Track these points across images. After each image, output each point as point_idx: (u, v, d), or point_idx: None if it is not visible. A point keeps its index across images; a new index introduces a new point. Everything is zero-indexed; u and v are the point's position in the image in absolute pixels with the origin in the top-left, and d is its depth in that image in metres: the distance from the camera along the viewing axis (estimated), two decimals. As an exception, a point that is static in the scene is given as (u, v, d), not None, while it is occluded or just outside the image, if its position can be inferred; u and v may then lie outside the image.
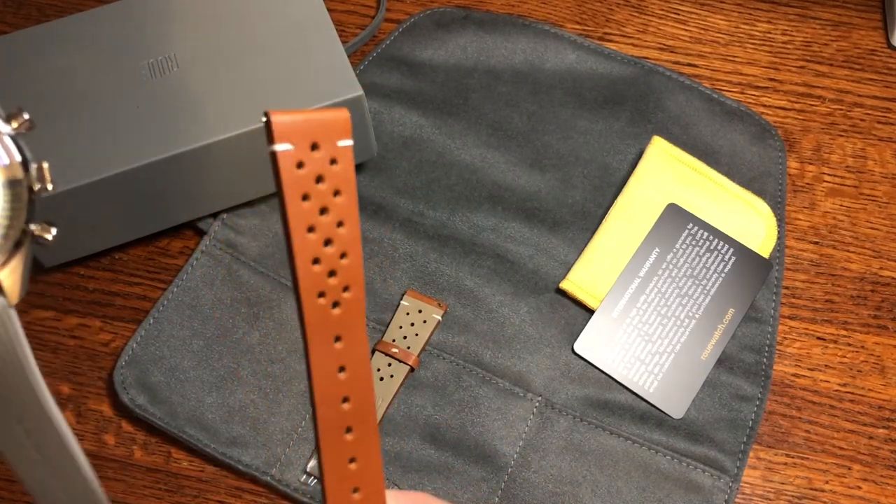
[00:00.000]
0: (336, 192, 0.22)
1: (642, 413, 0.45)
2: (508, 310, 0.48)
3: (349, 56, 0.56)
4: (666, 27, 0.58)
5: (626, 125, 0.53)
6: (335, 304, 0.23)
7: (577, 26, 0.58)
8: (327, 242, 0.22)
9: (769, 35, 0.57)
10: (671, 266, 0.48)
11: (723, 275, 0.48)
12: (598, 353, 0.47)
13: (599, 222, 0.50)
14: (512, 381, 0.46)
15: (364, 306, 0.23)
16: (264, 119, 0.21)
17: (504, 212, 0.51)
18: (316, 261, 0.23)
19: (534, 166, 0.52)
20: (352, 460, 0.24)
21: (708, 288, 0.48)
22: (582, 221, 0.51)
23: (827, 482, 0.45)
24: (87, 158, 0.44)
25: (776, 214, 0.51)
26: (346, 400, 0.23)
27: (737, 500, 0.44)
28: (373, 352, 0.47)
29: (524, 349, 0.47)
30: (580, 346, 0.47)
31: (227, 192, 0.48)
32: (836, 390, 0.47)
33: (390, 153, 0.52)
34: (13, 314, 0.22)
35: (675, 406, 0.45)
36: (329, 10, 0.58)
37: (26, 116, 0.22)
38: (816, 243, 0.51)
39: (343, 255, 0.23)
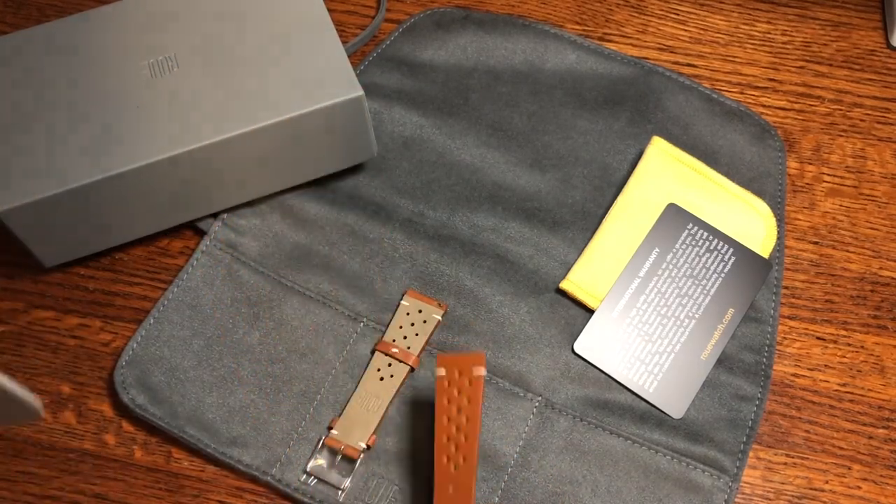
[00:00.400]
0: (468, 400, 0.40)
1: (642, 413, 0.45)
2: (508, 310, 0.48)
3: (349, 56, 0.56)
4: (666, 27, 0.58)
5: (626, 125, 0.53)
6: (455, 467, 0.39)
7: (577, 26, 0.58)
8: (457, 429, 0.40)
9: (769, 35, 0.58)
10: (671, 266, 0.48)
11: (722, 275, 0.48)
12: (598, 353, 0.47)
13: (599, 222, 0.50)
14: (512, 380, 0.46)
15: (474, 473, 0.39)
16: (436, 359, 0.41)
17: (504, 212, 0.51)
18: (448, 439, 0.40)
19: (534, 166, 0.52)
20: None
21: (708, 288, 0.48)
22: (582, 221, 0.51)
23: (827, 482, 0.45)
24: (88, 159, 0.44)
25: (776, 214, 0.51)
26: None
27: (736, 499, 0.44)
28: (373, 351, 0.47)
29: (524, 349, 0.47)
30: (580, 346, 0.47)
31: (227, 192, 0.48)
32: (836, 390, 0.47)
33: (390, 153, 0.52)
34: None
35: (675, 406, 0.46)
36: (329, 10, 0.58)
37: None
38: (816, 243, 0.51)
39: (465, 439, 0.39)
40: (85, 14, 0.49)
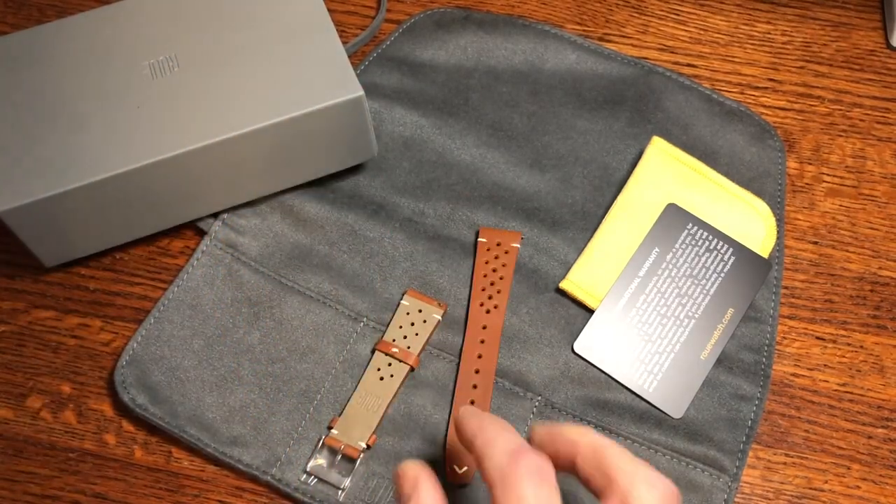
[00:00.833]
0: (503, 264, 0.48)
1: (642, 413, 0.46)
2: (508, 310, 0.48)
3: (349, 56, 0.56)
4: (666, 28, 0.58)
5: (626, 125, 0.53)
6: (487, 311, 0.47)
7: (577, 27, 0.58)
8: (491, 284, 0.48)
9: (769, 35, 0.58)
10: (671, 266, 0.48)
11: (722, 275, 0.48)
12: (598, 352, 0.47)
13: (599, 222, 0.50)
14: (512, 380, 0.46)
15: (503, 316, 0.47)
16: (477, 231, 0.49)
17: (504, 212, 0.51)
18: (483, 289, 0.48)
19: (534, 166, 0.52)
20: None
21: (707, 288, 0.48)
22: (582, 221, 0.51)
23: (826, 482, 0.45)
24: (88, 159, 0.44)
25: (775, 214, 0.51)
26: (479, 356, 0.46)
27: (736, 499, 0.44)
28: (373, 351, 0.47)
29: (524, 349, 0.47)
30: (580, 346, 0.47)
31: (228, 192, 0.48)
32: (836, 390, 0.47)
33: (390, 153, 0.52)
34: None
35: (675, 406, 0.46)
36: (329, 10, 0.58)
37: None
38: (816, 243, 0.51)
39: (498, 291, 0.48)
40: (85, 14, 0.50)
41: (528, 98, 0.54)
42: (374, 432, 0.44)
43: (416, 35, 0.56)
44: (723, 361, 0.47)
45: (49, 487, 0.45)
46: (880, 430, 0.46)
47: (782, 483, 0.45)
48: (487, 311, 0.47)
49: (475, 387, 0.45)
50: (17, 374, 0.47)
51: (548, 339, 0.47)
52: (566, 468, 0.33)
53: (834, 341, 0.48)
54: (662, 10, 0.58)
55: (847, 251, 0.51)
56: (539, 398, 0.46)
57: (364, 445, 0.44)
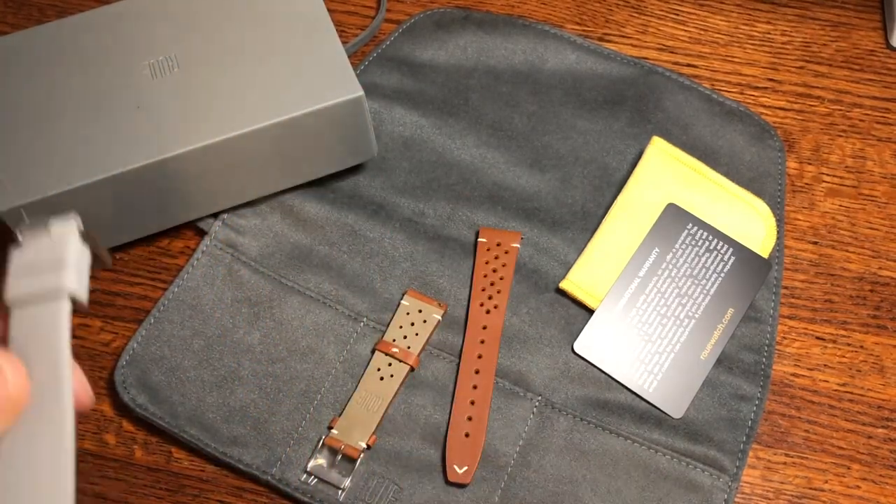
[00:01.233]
0: (503, 264, 0.48)
1: (642, 413, 0.46)
2: (508, 310, 0.48)
3: (349, 56, 0.56)
4: (665, 28, 0.58)
5: (626, 125, 0.53)
6: (487, 312, 0.47)
7: (577, 27, 0.58)
8: (491, 284, 0.48)
9: (768, 36, 0.58)
10: (671, 266, 0.48)
11: (722, 275, 0.48)
12: (598, 352, 0.47)
13: (599, 222, 0.50)
14: (512, 380, 0.46)
15: (503, 317, 0.47)
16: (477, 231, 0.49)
17: (504, 212, 0.51)
18: (483, 290, 0.48)
19: (534, 166, 0.52)
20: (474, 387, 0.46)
21: (707, 288, 0.48)
22: (582, 221, 0.51)
23: (826, 482, 0.45)
24: (88, 159, 0.44)
25: (775, 214, 0.51)
26: (482, 342, 0.47)
27: (736, 499, 0.44)
28: (373, 351, 0.47)
29: (524, 349, 0.47)
30: (580, 346, 0.47)
31: (228, 192, 0.48)
32: (836, 390, 0.47)
33: (390, 153, 0.52)
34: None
35: (675, 406, 0.46)
36: (329, 10, 0.58)
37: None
38: (816, 243, 0.51)
39: (498, 291, 0.48)
40: (85, 14, 0.50)
41: (527, 98, 0.54)
42: (374, 432, 0.44)
43: (415, 35, 0.56)
44: (723, 361, 0.47)
45: (49, 487, 0.45)
46: (880, 430, 0.46)
47: (782, 483, 0.45)
48: (487, 311, 0.47)
49: (475, 387, 0.45)
50: (17, 374, 0.47)
51: (548, 339, 0.47)
52: None
53: (834, 341, 0.48)
54: (662, 10, 0.59)
55: (847, 251, 0.51)
56: (539, 398, 0.46)
57: (364, 445, 0.44)
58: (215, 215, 0.50)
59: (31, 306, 0.29)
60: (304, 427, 0.45)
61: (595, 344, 0.47)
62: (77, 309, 0.30)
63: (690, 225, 0.49)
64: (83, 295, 0.30)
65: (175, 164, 0.45)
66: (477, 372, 0.46)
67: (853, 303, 0.49)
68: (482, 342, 0.46)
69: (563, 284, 0.48)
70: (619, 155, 0.53)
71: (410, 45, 0.56)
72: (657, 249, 0.49)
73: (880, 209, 0.52)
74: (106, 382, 0.47)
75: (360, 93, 0.46)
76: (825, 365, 0.48)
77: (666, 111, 0.54)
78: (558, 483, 0.44)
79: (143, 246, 0.51)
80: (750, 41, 0.57)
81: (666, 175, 0.50)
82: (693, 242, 0.49)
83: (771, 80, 0.56)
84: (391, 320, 0.47)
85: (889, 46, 0.57)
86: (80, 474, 0.45)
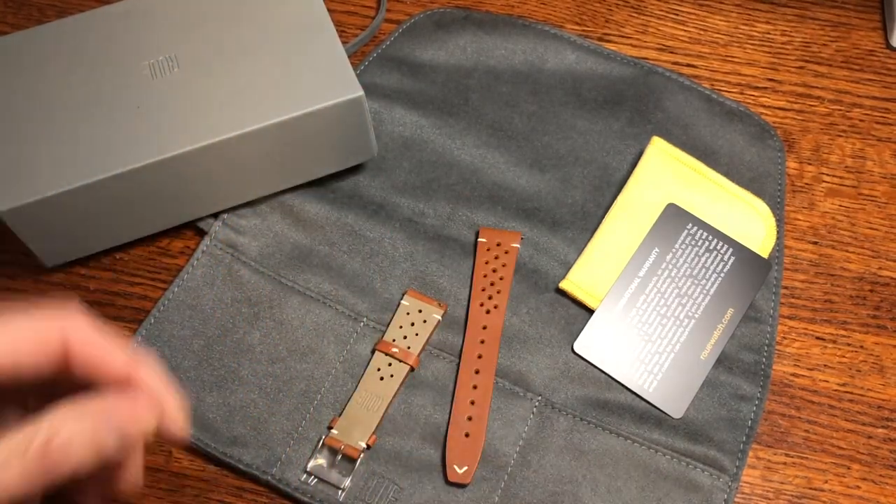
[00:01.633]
0: (503, 264, 0.48)
1: (642, 413, 0.46)
2: (508, 310, 0.48)
3: (349, 56, 0.56)
4: (665, 28, 0.58)
5: (626, 125, 0.53)
6: (487, 311, 0.47)
7: (577, 27, 0.58)
8: (491, 284, 0.48)
9: (768, 36, 0.58)
10: (671, 266, 0.48)
11: (722, 275, 0.48)
12: (598, 352, 0.47)
13: (599, 222, 0.50)
14: (512, 380, 0.46)
15: (503, 317, 0.47)
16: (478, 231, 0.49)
17: (504, 212, 0.51)
18: (483, 290, 0.48)
19: (534, 166, 0.52)
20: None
21: (707, 288, 0.48)
22: (582, 221, 0.51)
23: (826, 482, 0.45)
24: (88, 159, 0.44)
25: (775, 214, 0.51)
26: (482, 342, 0.47)
27: (736, 499, 0.44)
28: (373, 351, 0.47)
29: (524, 349, 0.47)
30: (580, 346, 0.47)
31: (228, 192, 0.49)
32: (836, 390, 0.47)
33: (390, 153, 0.52)
34: None
35: (675, 406, 0.46)
36: (329, 10, 0.58)
37: None
38: (815, 243, 0.51)
39: (498, 291, 0.48)
40: (85, 14, 0.50)
41: (527, 98, 0.54)
42: (374, 432, 0.44)
43: (415, 35, 0.56)
44: (723, 361, 0.47)
45: (49, 487, 0.45)
46: (880, 430, 0.46)
47: (782, 483, 0.45)
48: (487, 311, 0.47)
49: (475, 387, 0.45)
50: (17, 374, 0.47)
51: (548, 339, 0.47)
52: None
53: (834, 341, 0.48)
54: (662, 10, 0.59)
55: (847, 251, 0.51)
56: (539, 398, 0.46)
57: (364, 445, 0.44)
58: (215, 215, 0.50)
59: None
60: (304, 427, 0.45)
61: (595, 344, 0.47)
62: None
63: (690, 225, 0.49)
64: None
65: (175, 164, 0.45)
66: (477, 372, 0.46)
67: (853, 303, 0.49)
68: (482, 342, 0.47)
69: (563, 284, 0.48)
70: (619, 155, 0.53)
71: (410, 45, 0.56)
72: (657, 249, 0.49)
73: (880, 209, 0.52)
74: (106, 382, 0.47)
75: (360, 93, 0.46)
76: (825, 365, 0.48)
77: (666, 111, 0.54)
78: (558, 483, 0.44)
79: (143, 246, 0.51)
80: (749, 41, 0.57)
81: (666, 175, 0.50)
82: (693, 242, 0.49)
83: (771, 80, 0.56)
84: (391, 320, 0.47)
85: (889, 46, 0.57)
86: (80, 474, 0.45)
